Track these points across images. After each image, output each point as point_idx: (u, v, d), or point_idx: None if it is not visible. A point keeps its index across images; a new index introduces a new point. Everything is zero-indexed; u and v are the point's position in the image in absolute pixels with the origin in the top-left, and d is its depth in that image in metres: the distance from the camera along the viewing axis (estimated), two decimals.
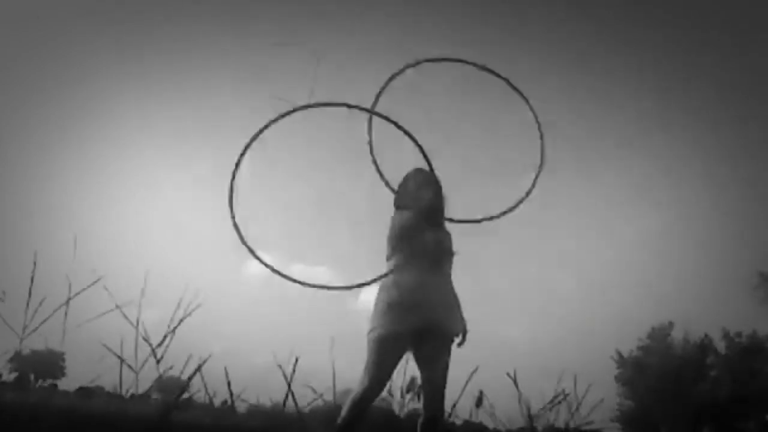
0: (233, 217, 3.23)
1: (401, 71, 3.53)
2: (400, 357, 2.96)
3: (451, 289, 3.09)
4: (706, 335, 25.38)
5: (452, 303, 3.07)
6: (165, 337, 5.11)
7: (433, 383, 2.95)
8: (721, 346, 25.36)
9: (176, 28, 44.14)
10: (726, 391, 23.52)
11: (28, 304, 4.70)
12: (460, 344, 3.05)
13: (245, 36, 43.67)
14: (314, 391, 6.94)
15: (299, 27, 44.20)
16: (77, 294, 4.77)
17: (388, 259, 3.09)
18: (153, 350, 5.09)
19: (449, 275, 3.11)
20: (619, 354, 26.32)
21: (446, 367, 2.99)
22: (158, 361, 5.14)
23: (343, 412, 2.90)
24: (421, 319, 2.90)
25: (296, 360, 6.38)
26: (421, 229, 3.05)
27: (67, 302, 4.79)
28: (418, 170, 3.27)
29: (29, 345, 4.89)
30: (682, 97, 43.40)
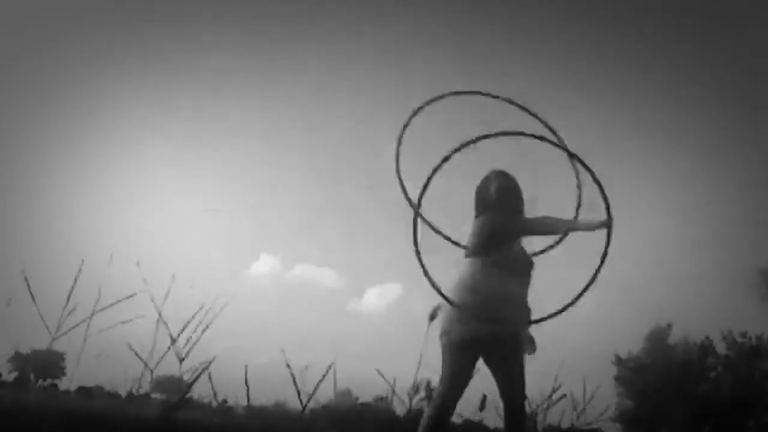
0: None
1: (430, 102, 3.44)
2: (474, 363, 2.88)
3: (527, 303, 3.03)
4: (707, 337, 25.42)
5: (526, 317, 2.99)
6: (189, 341, 5.21)
7: (513, 392, 2.88)
8: (721, 346, 25.40)
9: (178, 28, 44.11)
10: (726, 392, 23.53)
11: (64, 307, 4.85)
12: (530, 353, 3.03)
13: (246, 36, 43.67)
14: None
15: (300, 27, 44.20)
16: (113, 304, 4.91)
17: (469, 255, 3.01)
18: (179, 358, 5.16)
19: (527, 286, 3.05)
20: (617, 356, 26.33)
21: (522, 372, 2.92)
22: (182, 361, 5.22)
23: (423, 423, 2.79)
24: (494, 327, 2.82)
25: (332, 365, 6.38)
26: (514, 236, 3.01)
27: (95, 311, 4.92)
28: (503, 173, 3.17)
29: (59, 346, 5.00)
30: (682, 96, 43.38)
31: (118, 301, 5.04)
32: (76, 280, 4.93)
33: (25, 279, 4.83)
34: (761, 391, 23.12)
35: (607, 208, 3.00)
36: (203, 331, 5.24)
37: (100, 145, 43.94)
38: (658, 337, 25.95)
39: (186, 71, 43.09)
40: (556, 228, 3.12)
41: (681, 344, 25.53)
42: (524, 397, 2.92)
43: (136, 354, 5.19)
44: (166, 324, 5.13)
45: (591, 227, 2.98)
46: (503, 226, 3.00)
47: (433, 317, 3.15)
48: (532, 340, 3.05)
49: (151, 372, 5.22)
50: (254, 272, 41.05)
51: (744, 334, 24.85)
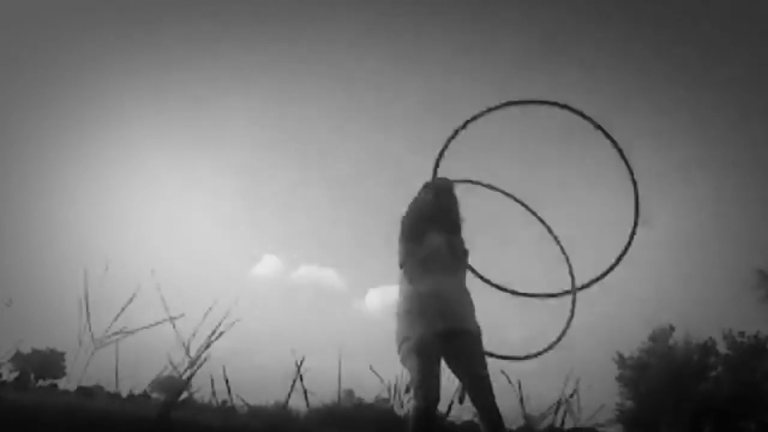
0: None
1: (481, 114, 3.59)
2: (438, 361, 2.86)
3: (466, 292, 3.06)
4: (710, 338, 25.41)
5: (468, 306, 3.02)
6: (206, 346, 5.23)
7: (476, 385, 2.89)
8: (722, 345, 25.39)
9: (179, 28, 44.10)
10: (727, 392, 23.52)
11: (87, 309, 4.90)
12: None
13: (248, 36, 43.64)
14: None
15: (303, 27, 44.17)
16: (155, 324, 4.94)
17: (401, 265, 3.03)
18: (192, 360, 5.19)
19: (463, 278, 3.08)
20: (620, 355, 26.33)
21: (484, 362, 2.93)
22: (197, 367, 5.24)
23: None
24: (443, 323, 2.84)
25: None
26: (427, 231, 3.01)
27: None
28: (442, 178, 3.29)
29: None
30: (682, 97, 43.38)
31: (128, 302, 5.04)
32: (84, 284, 4.92)
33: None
34: (761, 391, 23.10)
35: (632, 175, 3.26)
36: (216, 338, 5.25)
37: (100, 146, 43.95)
38: (659, 337, 25.95)
39: (188, 71, 43.09)
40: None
41: (682, 344, 25.52)
42: (491, 393, 2.89)
43: (171, 363, 5.21)
44: (176, 330, 5.14)
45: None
46: (412, 221, 3.06)
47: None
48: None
49: (181, 376, 5.24)
50: (258, 273, 41.18)
51: (743, 334, 24.85)
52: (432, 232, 3.01)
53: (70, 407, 4.68)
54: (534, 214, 4.03)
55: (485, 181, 3.99)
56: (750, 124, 41.02)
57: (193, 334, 5.25)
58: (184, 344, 5.21)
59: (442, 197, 3.14)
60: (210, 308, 5.26)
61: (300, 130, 46.96)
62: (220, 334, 5.24)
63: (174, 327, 5.15)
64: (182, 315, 5.11)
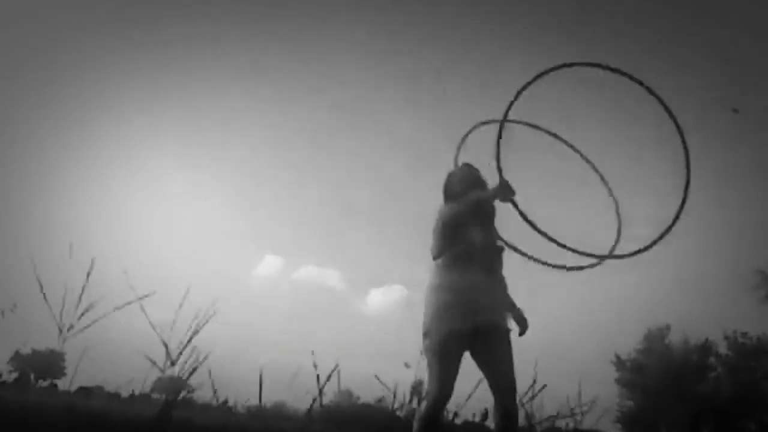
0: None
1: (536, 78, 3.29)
2: (459, 359, 2.85)
3: (503, 287, 3.05)
4: (707, 339, 25.41)
5: (504, 302, 3.02)
6: (188, 341, 5.19)
7: (500, 380, 2.87)
8: (722, 346, 25.40)
9: (181, 28, 44.10)
10: (726, 392, 23.52)
11: (77, 305, 4.85)
12: (521, 334, 3.01)
13: (249, 36, 43.65)
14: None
15: (303, 27, 44.18)
16: (124, 306, 4.89)
17: (435, 258, 2.98)
18: (170, 356, 5.14)
19: (500, 273, 3.05)
20: (618, 357, 26.33)
21: (510, 362, 2.90)
22: (172, 363, 5.19)
23: (415, 427, 2.78)
24: (475, 319, 2.83)
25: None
26: (468, 225, 2.95)
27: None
28: (466, 165, 3.21)
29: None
30: (681, 97, 43.31)
31: (129, 302, 5.01)
32: (88, 276, 4.88)
33: (38, 280, 4.79)
34: (761, 391, 23.11)
35: (680, 134, 3.13)
36: (193, 335, 5.19)
37: (100, 146, 43.92)
38: (657, 338, 25.96)
39: (189, 71, 43.09)
40: (482, 197, 2.99)
41: (680, 344, 25.53)
42: (514, 388, 2.88)
43: (150, 359, 5.17)
44: (154, 328, 5.07)
45: (496, 192, 2.89)
46: (453, 215, 2.95)
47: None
48: (523, 318, 3.03)
49: (163, 372, 5.20)
50: (260, 273, 41.24)
51: (744, 334, 24.86)
52: (469, 225, 2.96)
53: (70, 407, 4.68)
54: (595, 170, 3.67)
55: (544, 126, 3.63)
56: (750, 124, 41.02)
57: (171, 327, 5.18)
58: (164, 343, 5.14)
59: (486, 191, 3.04)
60: (184, 298, 5.17)
61: (302, 130, 46.98)
62: (197, 332, 5.16)
63: (143, 309, 5.04)
64: (154, 293, 4.99)
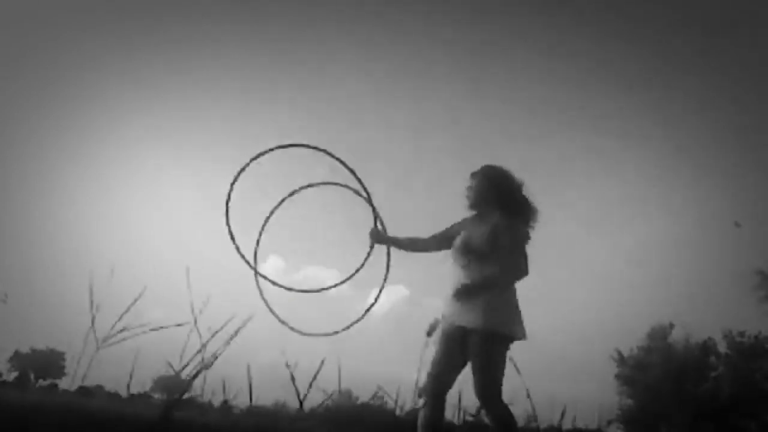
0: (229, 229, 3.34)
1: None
2: (458, 353, 2.98)
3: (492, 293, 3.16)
4: (709, 338, 25.40)
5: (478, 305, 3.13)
6: (221, 347, 5.19)
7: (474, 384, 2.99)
8: (722, 345, 25.40)
9: (182, 28, 44.07)
10: (727, 391, 23.52)
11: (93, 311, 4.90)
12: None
13: (250, 36, 43.63)
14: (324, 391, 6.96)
15: (304, 27, 44.17)
16: (127, 310, 4.91)
17: (527, 274, 3.01)
18: (204, 361, 5.15)
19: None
20: (619, 353, 26.33)
21: (484, 369, 3.01)
22: (207, 368, 5.21)
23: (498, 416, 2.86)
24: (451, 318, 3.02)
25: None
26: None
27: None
28: (509, 172, 3.18)
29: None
30: (682, 98, 43.34)
31: (133, 303, 5.01)
32: (92, 282, 4.90)
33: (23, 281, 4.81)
34: (762, 391, 23.11)
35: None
36: (229, 342, 5.21)
37: (100, 146, 43.93)
38: (658, 335, 25.96)
39: (189, 71, 43.08)
40: None
41: (682, 343, 25.53)
42: (483, 394, 2.91)
43: (171, 366, 5.20)
44: (199, 333, 5.09)
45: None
46: (525, 236, 3.07)
47: (430, 333, 3.16)
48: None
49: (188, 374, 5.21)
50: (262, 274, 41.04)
51: (742, 333, 24.86)
52: None
53: (70, 407, 4.68)
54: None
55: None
56: (751, 124, 41.02)
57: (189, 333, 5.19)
58: (180, 355, 5.16)
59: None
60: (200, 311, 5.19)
61: (303, 130, 46.94)
62: (236, 333, 5.17)
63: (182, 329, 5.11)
64: (189, 323, 5.06)
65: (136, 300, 4.96)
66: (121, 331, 4.92)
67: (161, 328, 5.01)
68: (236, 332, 5.11)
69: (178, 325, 5.02)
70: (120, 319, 4.93)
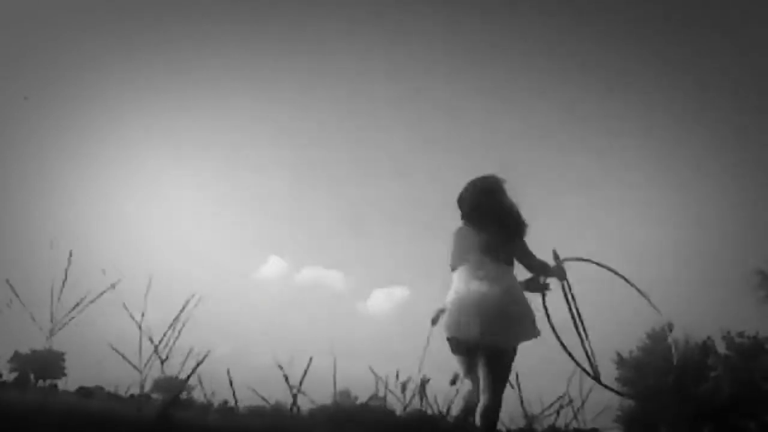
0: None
1: None
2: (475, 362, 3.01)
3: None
4: (708, 337, 25.39)
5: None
6: (164, 334, 5.16)
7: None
8: (721, 346, 25.39)
9: (182, 28, 44.07)
10: (726, 391, 23.51)
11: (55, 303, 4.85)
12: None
13: (251, 36, 43.61)
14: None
15: (305, 27, 44.16)
16: (95, 299, 4.88)
17: (501, 262, 3.01)
18: (156, 350, 5.13)
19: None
20: (619, 355, 26.31)
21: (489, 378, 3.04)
22: (163, 362, 5.17)
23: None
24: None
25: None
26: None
27: (78, 304, 4.90)
28: (502, 184, 3.20)
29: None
30: (681, 99, 43.38)
31: (101, 294, 4.96)
32: (66, 273, 4.88)
33: (9, 285, 4.82)
34: (761, 391, 23.10)
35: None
36: (179, 329, 5.19)
37: (100, 146, 43.92)
38: (658, 336, 25.94)
39: (190, 71, 43.08)
40: (547, 272, 3.51)
41: (681, 344, 25.51)
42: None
43: (123, 356, 5.16)
44: (140, 326, 5.06)
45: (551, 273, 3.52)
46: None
47: (435, 322, 3.13)
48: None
49: (141, 373, 5.18)
50: (263, 274, 41.31)
51: (741, 334, 24.86)
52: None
53: (70, 407, 4.68)
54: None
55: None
56: (750, 125, 41.03)
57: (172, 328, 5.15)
58: (151, 340, 5.13)
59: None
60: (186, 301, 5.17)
61: (304, 130, 46.98)
62: (183, 326, 5.15)
63: (126, 307, 5.03)
64: (119, 280, 4.97)
65: (103, 292, 4.88)
66: (73, 309, 4.82)
67: (98, 297, 4.88)
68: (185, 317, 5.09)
69: (111, 286, 4.90)
70: (76, 308, 4.84)
